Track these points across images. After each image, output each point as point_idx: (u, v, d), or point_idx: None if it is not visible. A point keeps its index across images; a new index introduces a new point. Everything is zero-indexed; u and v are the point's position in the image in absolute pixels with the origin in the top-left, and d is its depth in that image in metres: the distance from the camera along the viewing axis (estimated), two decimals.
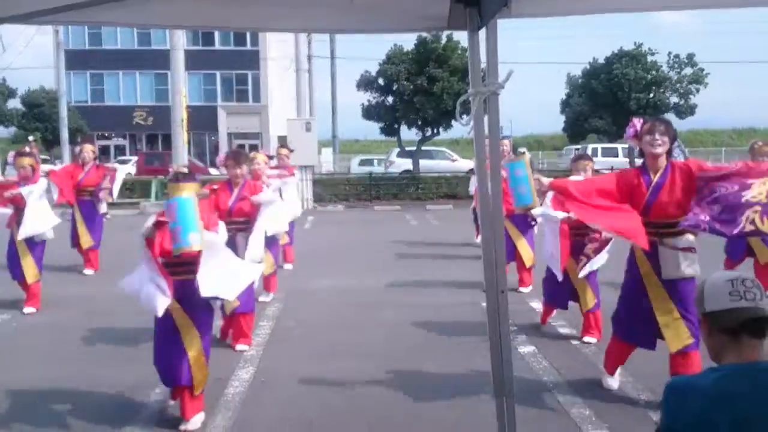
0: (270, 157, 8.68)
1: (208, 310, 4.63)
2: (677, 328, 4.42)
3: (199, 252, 4.29)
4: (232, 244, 6.01)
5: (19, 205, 7.82)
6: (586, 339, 6.16)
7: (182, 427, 4.44)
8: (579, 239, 6.05)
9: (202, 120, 39.24)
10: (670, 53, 36.52)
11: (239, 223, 6.12)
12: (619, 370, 5.03)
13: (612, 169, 11.98)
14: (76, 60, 39.37)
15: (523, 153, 5.83)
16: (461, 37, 18.65)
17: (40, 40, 50.05)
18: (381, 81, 26.32)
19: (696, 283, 4.34)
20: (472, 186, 10.45)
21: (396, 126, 27.14)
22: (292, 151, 10.38)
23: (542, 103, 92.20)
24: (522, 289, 8.14)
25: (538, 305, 7.28)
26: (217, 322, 6.64)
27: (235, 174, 6.21)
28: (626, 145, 28.92)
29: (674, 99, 36.06)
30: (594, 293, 6.17)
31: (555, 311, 6.80)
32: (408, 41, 29.49)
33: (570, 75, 41.51)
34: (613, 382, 4.98)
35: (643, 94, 34.83)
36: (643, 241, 4.27)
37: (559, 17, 4.13)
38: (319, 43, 39.32)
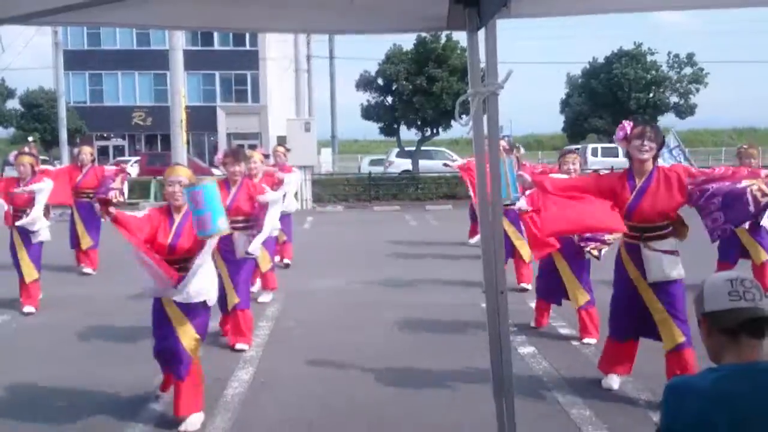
0: (266, 156, 8.69)
1: (202, 305, 4.63)
2: (670, 327, 4.52)
3: (198, 248, 4.38)
4: (230, 242, 6.03)
5: (18, 205, 7.84)
6: (586, 340, 6.16)
7: (181, 429, 4.44)
8: (569, 237, 6.04)
9: (202, 120, 39.20)
10: (669, 53, 36.72)
11: (237, 222, 6.10)
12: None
13: (612, 169, 11.98)
14: (74, 60, 39.30)
15: (517, 148, 5.93)
16: (460, 36, 18.59)
17: (38, 40, 50.11)
18: (380, 81, 26.28)
19: (683, 285, 4.50)
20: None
21: (395, 126, 27.11)
22: (288, 149, 10.39)
23: (542, 103, 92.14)
24: (523, 284, 8.15)
25: None
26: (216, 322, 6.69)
27: (234, 171, 6.22)
28: None
29: (674, 99, 36.14)
30: (585, 290, 6.20)
31: (551, 311, 6.80)
32: (407, 41, 29.46)
33: (570, 75, 41.59)
34: (613, 382, 4.98)
35: (642, 93, 34.90)
36: (622, 227, 4.55)
37: (559, 17, 4.12)
38: (318, 43, 39.30)
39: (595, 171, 6.68)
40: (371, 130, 31.81)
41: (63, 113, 32.77)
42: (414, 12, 2.94)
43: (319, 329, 6.92)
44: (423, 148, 27.70)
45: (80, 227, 9.89)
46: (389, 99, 26.47)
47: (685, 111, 35.96)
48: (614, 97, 35.57)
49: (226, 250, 6.05)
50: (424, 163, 26.67)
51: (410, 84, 24.79)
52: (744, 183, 4.24)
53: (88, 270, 9.92)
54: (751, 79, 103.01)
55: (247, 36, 40.41)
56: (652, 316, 4.62)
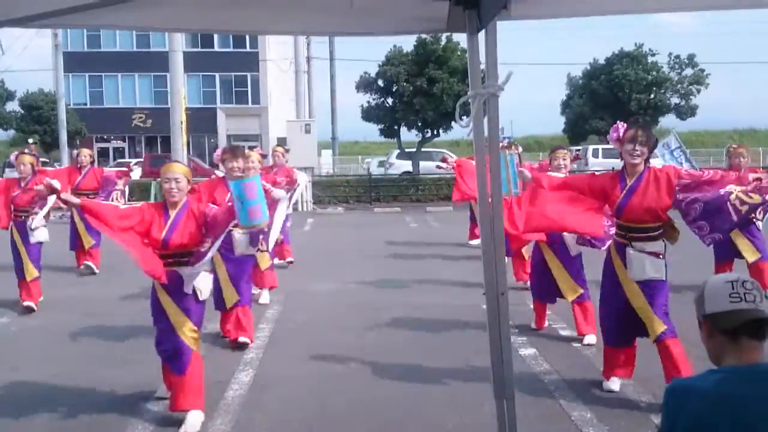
0: (264, 156, 8.71)
1: (197, 302, 4.69)
2: (650, 318, 4.61)
3: (192, 244, 4.55)
4: (229, 240, 6.04)
5: (19, 206, 7.85)
6: (586, 341, 6.15)
7: (181, 430, 4.44)
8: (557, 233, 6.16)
9: (202, 122, 39.22)
10: (670, 54, 36.67)
11: None
12: None
13: (613, 170, 11.95)
14: (74, 62, 39.31)
15: (516, 146, 5.95)
16: (461, 38, 18.59)
17: (38, 42, 50.19)
18: (380, 82, 26.28)
19: (665, 283, 4.63)
20: None
21: (396, 127, 27.11)
22: (287, 150, 10.39)
23: (542, 104, 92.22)
24: (521, 282, 8.14)
25: None
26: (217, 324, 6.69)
27: (232, 167, 6.25)
28: None
29: (675, 100, 36.12)
30: (578, 284, 6.26)
31: (553, 313, 6.80)
32: (407, 42, 29.53)
33: (570, 76, 41.56)
34: (614, 385, 4.97)
35: (643, 95, 34.87)
36: (599, 230, 4.83)
37: (559, 19, 4.14)
38: (318, 44, 39.30)
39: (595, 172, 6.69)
40: (371, 131, 31.79)
41: (63, 115, 32.77)
42: (414, 14, 2.95)
43: (319, 331, 6.92)
44: (423, 149, 27.68)
45: (81, 227, 9.90)
46: (389, 100, 26.46)
47: (685, 112, 35.94)
48: (615, 98, 35.55)
49: (225, 248, 6.07)
50: (424, 165, 26.66)
51: (410, 85, 24.78)
52: (727, 188, 4.41)
53: (92, 266, 9.91)
54: (752, 80, 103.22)
55: (247, 38, 40.47)
56: (631, 318, 4.71)
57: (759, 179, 4.59)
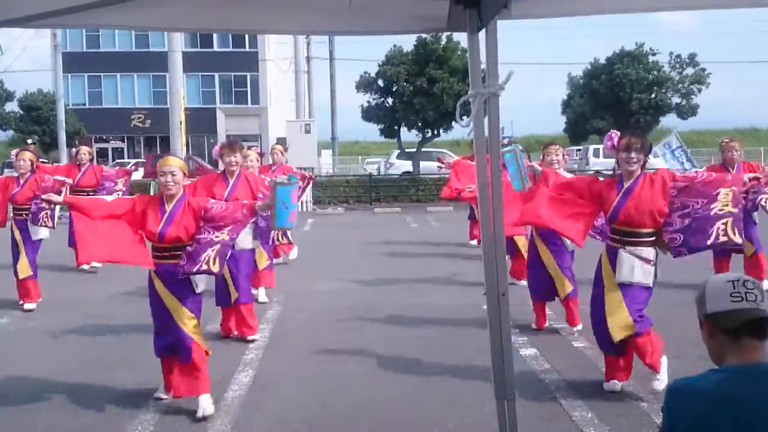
0: (261, 155, 8.73)
1: (194, 293, 4.77)
2: (619, 315, 4.65)
3: (187, 237, 4.64)
4: None
5: (18, 203, 7.84)
6: (576, 328, 6.43)
7: (198, 415, 4.60)
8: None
9: (201, 122, 39.21)
10: (671, 53, 36.71)
11: None
12: None
13: (614, 170, 11.98)
14: (73, 63, 39.28)
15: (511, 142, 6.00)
16: (461, 37, 18.56)
17: (37, 42, 50.22)
18: (380, 82, 26.27)
19: (650, 291, 4.70)
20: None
21: (396, 127, 27.09)
22: (286, 148, 10.41)
23: (543, 103, 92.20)
24: (518, 281, 8.14)
25: None
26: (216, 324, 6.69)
27: (230, 162, 6.30)
28: None
29: (676, 99, 36.13)
30: (569, 281, 6.37)
31: (548, 311, 6.80)
32: (407, 42, 29.45)
33: (571, 75, 41.55)
34: (615, 385, 4.96)
35: (644, 94, 34.86)
36: (579, 240, 4.90)
37: (559, 18, 4.14)
38: (318, 44, 39.18)
39: (597, 172, 6.73)
40: (372, 131, 31.69)
41: (62, 115, 32.79)
42: (414, 13, 2.94)
43: (319, 331, 6.91)
44: (424, 149, 27.68)
45: None
46: (390, 100, 26.45)
47: (686, 111, 35.95)
48: (616, 97, 35.55)
49: None
50: (424, 165, 26.66)
51: (411, 85, 24.78)
52: (718, 206, 4.42)
53: (96, 263, 9.89)
54: (753, 79, 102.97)
55: (247, 37, 40.43)
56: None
57: (756, 179, 4.62)
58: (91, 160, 10.30)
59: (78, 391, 5.19)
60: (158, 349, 4.85)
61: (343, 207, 21.69)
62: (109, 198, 5.05)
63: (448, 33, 20.68)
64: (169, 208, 4.69)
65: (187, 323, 4.68)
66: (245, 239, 6.30)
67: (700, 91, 35.81)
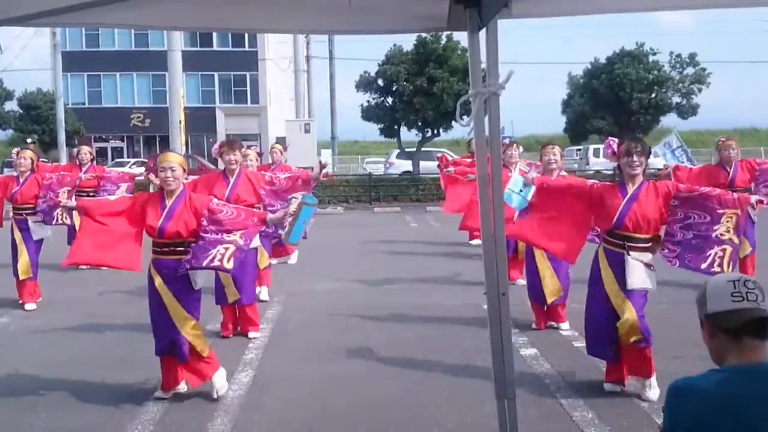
0: (260, 154, 8.74)
1: (193, 290, 4.83)
2: (631, 316, 4.63)
3: (186, 234, 4.70)
4: None
5: (18, 203, 7.84)
6: (563, 326, 6.54)
7: (214, 396, 4.86)
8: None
9: (201, 121, 39.20)
10: (672, 53, 36.66)
11: None
12: None
13: (614, 170, 11.98)
14: (73, 62, 39.29)
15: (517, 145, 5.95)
16: (461, 37, 18.56)
17: (37, 41, 50.23)
18: (380, 82, 26.27)
19: (647, 297, 4.76)
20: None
21: (396, 127, 27.09)
22: (286, 147, 10.42)
23: (543, 103, 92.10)
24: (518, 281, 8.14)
25: None
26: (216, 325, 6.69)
27: (230, 160, 6.31)
28: None
29: (676, 99, 36.09)
30: (563, 287, 6.47)
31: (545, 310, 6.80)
32: (407, 41, 29.44)
33: (571, 75, 41.51)
34: (616, 385, 4.96)
35: (644, 94, 34.83)
36: (572, 259, 4.99)
37: (560, 17, 4.14)
38: (318, 43, 39.16)
39: (597, 172, 6.74)
40: (371, 131, 31.67)
41: (61, 115, 32.79)
42: (413, 12, 2.93)
43: (319, 331, 6.91)
44: (423, 149, 27.69)
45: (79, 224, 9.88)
46: (389, 100, 26.45)
47: (687, 111, 35.93)
48: (616, 97, 35.52)
49: None
50: (424, 164, 26.67)
51: (410, 85, 24.78)
52: (720, 229, 4.46)
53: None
54: (754, 79, 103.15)
55: (246, 37, 40.42)
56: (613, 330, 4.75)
57: (761, 201, 4.64)
58: (92, 160, 10.30)
59: (78, 391, 5.19)
60: (158, 349, 4.88)
61: (342, 207, 21.68)
62: (112, 198, 5.16)
63: (448, 32, 20.72)
64: (169, 203, 4.75)
65: (185, 324, 4.72)
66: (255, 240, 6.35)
67: (700, 90, 35.80)
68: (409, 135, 27.76)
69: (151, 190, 6.37)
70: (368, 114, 27.06)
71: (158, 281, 4.74)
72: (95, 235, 4.70)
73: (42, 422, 4.67)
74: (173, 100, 20.29)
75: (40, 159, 10.42)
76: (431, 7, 2.86)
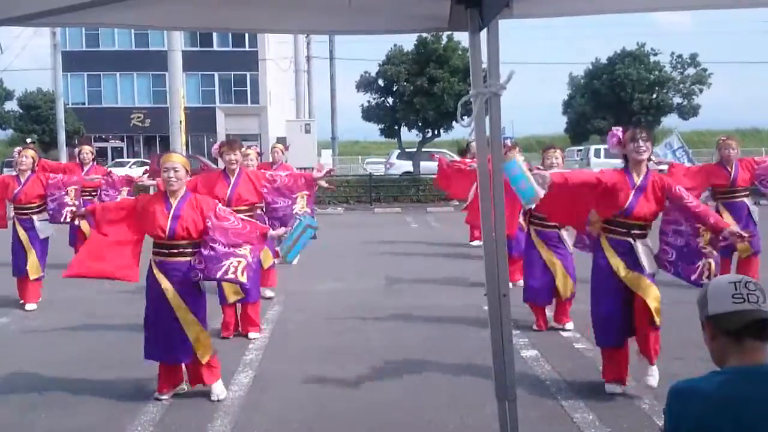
0: (260, 154, 8.73)
1: (199, 292, 4.86)
2: (653, 291, 4.70)
3: (196, 234, 4.72)
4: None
5: (20, 203, 7.83)
6: (568, 326, 6.56)
7: (213, 398, 4.86)
8: (551, 230, 6.44)
9: (201, 121, 39.19)
10: (673, 53, 36.62)
11: (240, 212, 6.06)
12: None
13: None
14: (73, 61, 39.27)
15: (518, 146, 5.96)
16: (462, 37, 18.53)
17: (37, 41, 50.22)
18: (381, 82, 26.27)
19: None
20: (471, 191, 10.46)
21: (396, 127, 27.09)
22: (287, 147, 10.43)
23: (544, 104, 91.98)
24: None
25: None
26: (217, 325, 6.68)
27: (230, 160, 6.30)
28: None
29: (677, 99, 36.06)
30: (572, 280, 6.51)
31: (548, 312, 6.79)
32: (408, 41, 29.43)
33: (572, 75, 41.51)
34: (617, 386, 4.95)
35: (645, 94, 34.81)
36: (581, 228, 5.08)
37: (561, 17, 4.14)
38: (318, 43, 39.11)
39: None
40: (372, 131, 31.58)
41: (61, 115, 32.79)
42: (414, 12, 2.93)
43: (319, 331, 6.90)
44: (424, 149, 27.68)
45: (84, 225, 9.87)
46: (390, 100, 26.45)
47: (688, 112, 35.89)
48: (617, 97, 35.50)
49: None
50: (425, 165, 26.66)
51: (411, 85, 24.78)
52: (701, 242, 4.63)
53: None
54: (755, 79, 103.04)
55: (247, 37, 40.41)
56: (623, 317, 4.83)
57: (741, 236, 4.53)
58: (93, 160, 10.30)
59: (78, 391, 5.18)
60: (150, 353, 4.87)
61: (343, 207, 21.69)
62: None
63: (449, 32, 20.72)
64: (174, 203, 4.75)
65: (192, 328, 4.73)
66: None
67: (701, 91, 35.77)
68: (409, 135, 27.80)
69: (151, 193, 6.41)
70: (369, 114, 27.06)
71: (165, 284, 4.71)
72: (97, 246, 4.74)
73: (42, 422, 4.67)
74: (173, 100, 20.28)
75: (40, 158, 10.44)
76: (432, 7, 2.86)
